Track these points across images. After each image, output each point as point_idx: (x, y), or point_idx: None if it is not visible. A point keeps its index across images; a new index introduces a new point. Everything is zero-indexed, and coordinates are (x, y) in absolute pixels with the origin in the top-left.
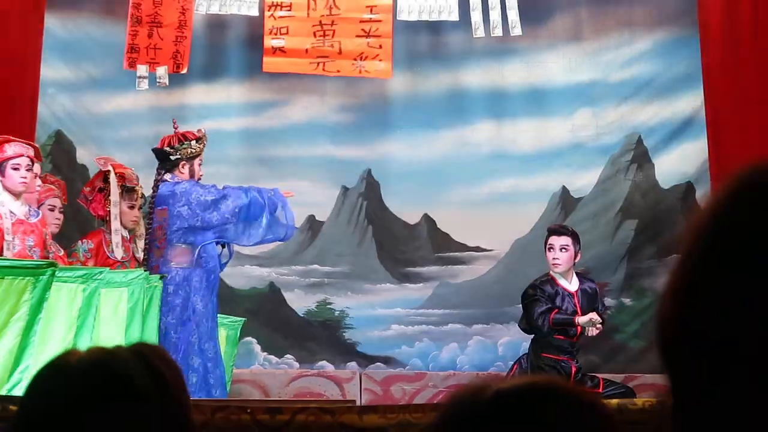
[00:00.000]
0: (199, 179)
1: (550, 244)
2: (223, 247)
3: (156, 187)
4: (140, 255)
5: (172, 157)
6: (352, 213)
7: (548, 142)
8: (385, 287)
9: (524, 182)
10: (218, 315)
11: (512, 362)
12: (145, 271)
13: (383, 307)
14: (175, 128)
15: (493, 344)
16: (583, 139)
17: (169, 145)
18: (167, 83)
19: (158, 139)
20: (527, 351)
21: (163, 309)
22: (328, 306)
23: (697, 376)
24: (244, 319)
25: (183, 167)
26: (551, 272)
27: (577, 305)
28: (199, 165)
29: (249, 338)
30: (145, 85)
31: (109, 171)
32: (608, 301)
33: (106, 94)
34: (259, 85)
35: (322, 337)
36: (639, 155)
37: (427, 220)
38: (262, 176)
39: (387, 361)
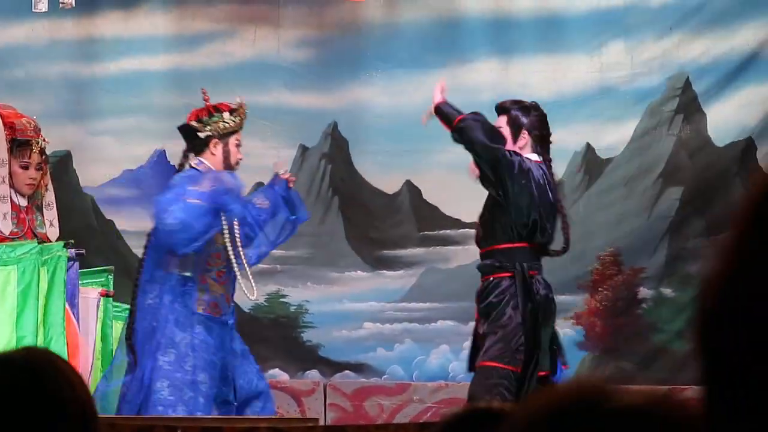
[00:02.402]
0: (237, 164)
1: None
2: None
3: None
4: (45, 230)
5: (200, 134)
6: (313, 180)
7: (568, 86)
8: (356, 275)
9: None
10: None
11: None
12: (39, 243)
13: (353, 301)
14: (206, 100)
15: None
16: (613, 81)
17: (196, 119)
18: (73, 4)
19: (63, 80)
20: None
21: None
22: (282, 299)
23: (739, 349)
24: None
25: (215, 147)
26: None
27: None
28: (237, 146)
29: None
30: (43, 6)
31: None
32: (645, 292)
33: None
34: (193, 11)
35: (273, 338)
36: (686, 103)
37: (410, 188)
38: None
39: (358, 368)
